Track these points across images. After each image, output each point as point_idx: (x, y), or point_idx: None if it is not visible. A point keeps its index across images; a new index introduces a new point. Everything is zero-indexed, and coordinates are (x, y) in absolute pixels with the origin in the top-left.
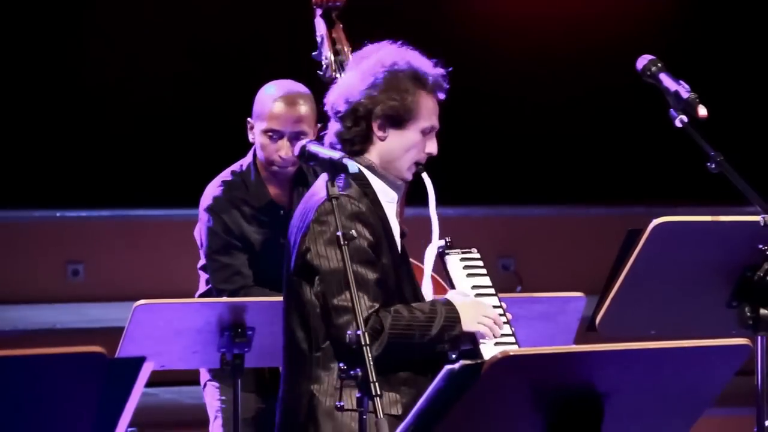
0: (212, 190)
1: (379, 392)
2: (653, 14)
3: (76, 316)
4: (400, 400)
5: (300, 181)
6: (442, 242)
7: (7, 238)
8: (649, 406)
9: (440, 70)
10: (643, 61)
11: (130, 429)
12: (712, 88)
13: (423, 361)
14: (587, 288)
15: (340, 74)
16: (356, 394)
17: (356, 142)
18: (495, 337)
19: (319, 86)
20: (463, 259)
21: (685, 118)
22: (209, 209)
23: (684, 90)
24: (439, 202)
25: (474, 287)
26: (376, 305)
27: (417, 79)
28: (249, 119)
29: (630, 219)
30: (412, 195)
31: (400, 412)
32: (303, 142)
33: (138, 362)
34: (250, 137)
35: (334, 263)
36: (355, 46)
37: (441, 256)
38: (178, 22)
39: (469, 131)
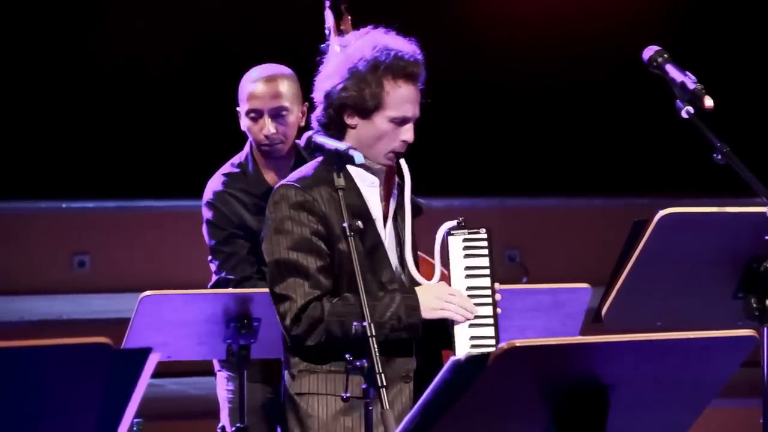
0: (213, 184)
1: (385, 383)
2: (660, 3)
3: (82, 307)
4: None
5: (299, 165)
6: (454, 223)
7: (13, 229)
8: (655, 398)
9: (413, 58)
10: (649, 51)
11: (136, 420)
12: (718, 79)
13: (387, 346)
14: (593, 279)
15: None
16: (331, 378)
17: (331, 127)
18: (467, 320)
19: None
20: (466, 239)
21: (691, 109)
22: (209, 203)
23: (690, 81)
24: (445, 194)
25: (468, 267)
26: (316, 292)
27: (378, 68)
28: (237, 108)
29: (636, 210)
30: (433, 185)
31: (362, 394)
32: (309, 133)
33: (144, 353)
34: (242, 126)
35: (278, 252)
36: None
37: (448, 236)
38: (181, 13)
39: (475, 123)
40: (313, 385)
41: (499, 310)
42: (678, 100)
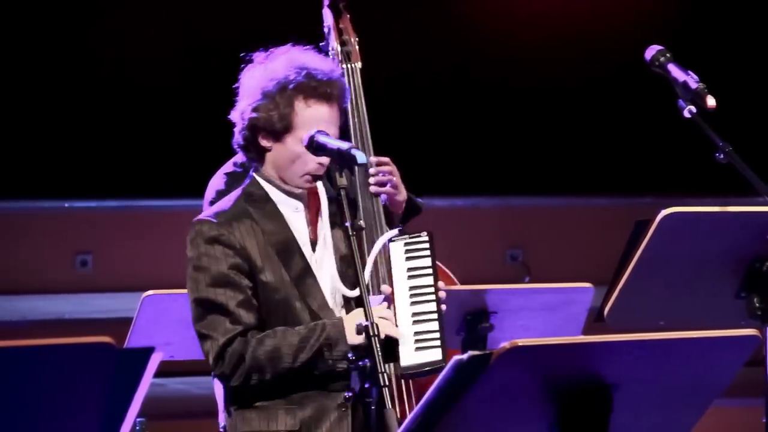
0: (215, 182)
1: (387, 383)
2: (663, 3)
3: (85, 307)
4: (298, 416)
5: None
6: (395, 232)
7: (16, 229)
8: (658, 397)
9: (326, 77)
10: (651, 51)
11: (138, 419)
12: (721, 78)
13: (321, 378)
14: (595, 279)
15: (347, 64)
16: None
17: (250, 149)
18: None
19: None
20: (407, 243)
21: (693, 109)
22: (212, 203)
23: (692, 80)
24: (448, 193)
25: (410, 269)
26: (238, 328)
27: (287, 88)
28: None
29: (638, 210)
30: (436, 184)
31: (297, 428)
32: (311, 132)
33: (146, 353)
34: None
35: (197, 290)
36: (362, 36)
37: (389, 244)
38: (184, 12)
39: (478, 122)
40: (248, 423)
41: (443, 307)
42: (680, 100)
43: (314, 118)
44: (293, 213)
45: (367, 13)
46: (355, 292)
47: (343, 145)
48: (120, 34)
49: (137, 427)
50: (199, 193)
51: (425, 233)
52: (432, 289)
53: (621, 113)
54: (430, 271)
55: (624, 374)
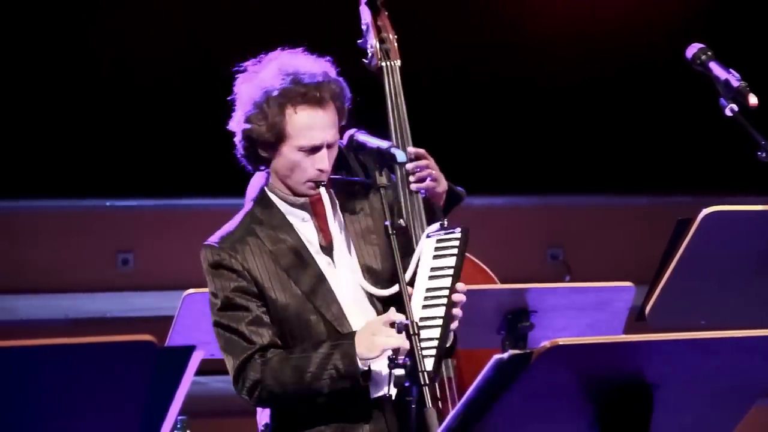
0: (257, 180)
1: (427, 381)
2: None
3: (126, 305)
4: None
5: (339, 164)
6: (437, 226)
7: (58, 227)
8: (700, 397)
9: (314, 80)
10: (692, 49)
11: (180, 417)
12: (762, 76)
13: (341, 392)
14: (636, 278)
15: (386, 62)
16: None
17: (252, 160)
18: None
19: (364, 74)
20: (439, 240)
21: (735, 107)
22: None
23: (734, 79)
24: (489, 192)
25: (433, 269)
26: (252, 347)
27: (273, 98)
28: None
29: (679, 209)
30: (475, 183)
31: None
32: (351, 131)
33: (187, 351)
34: None
35: (213, 315)
36: (400, 33)
37: (426, 239)
38: (220, 6)
39: (518, 120)
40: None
41: (458, 311)
42: (722, 98)
43: (306, 124)
44: (301, 223)
45: (410, 11)
46: (386, 292)
47: (383, 143)
48: (159, 32)
49: (178, 425)
50: (240, 192)
51: (459, 230)
52: (446, 292)
53: (663, 111)
54: (451, 271)
55: (665, 374)
